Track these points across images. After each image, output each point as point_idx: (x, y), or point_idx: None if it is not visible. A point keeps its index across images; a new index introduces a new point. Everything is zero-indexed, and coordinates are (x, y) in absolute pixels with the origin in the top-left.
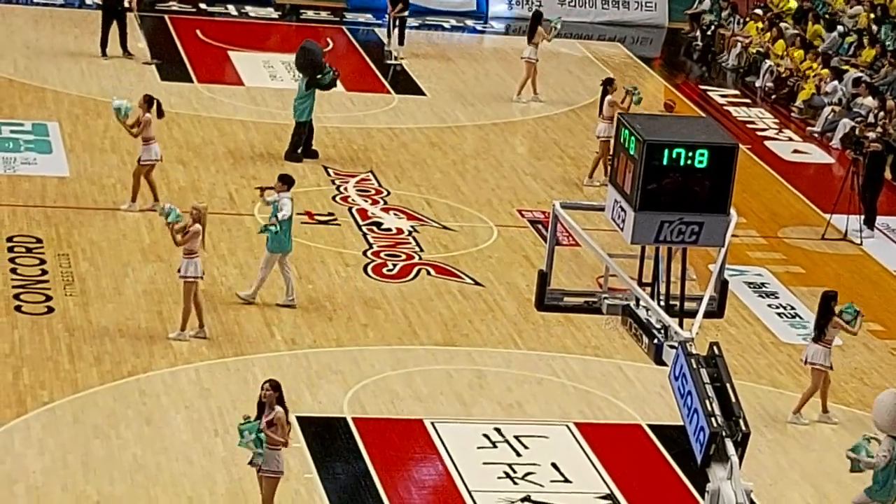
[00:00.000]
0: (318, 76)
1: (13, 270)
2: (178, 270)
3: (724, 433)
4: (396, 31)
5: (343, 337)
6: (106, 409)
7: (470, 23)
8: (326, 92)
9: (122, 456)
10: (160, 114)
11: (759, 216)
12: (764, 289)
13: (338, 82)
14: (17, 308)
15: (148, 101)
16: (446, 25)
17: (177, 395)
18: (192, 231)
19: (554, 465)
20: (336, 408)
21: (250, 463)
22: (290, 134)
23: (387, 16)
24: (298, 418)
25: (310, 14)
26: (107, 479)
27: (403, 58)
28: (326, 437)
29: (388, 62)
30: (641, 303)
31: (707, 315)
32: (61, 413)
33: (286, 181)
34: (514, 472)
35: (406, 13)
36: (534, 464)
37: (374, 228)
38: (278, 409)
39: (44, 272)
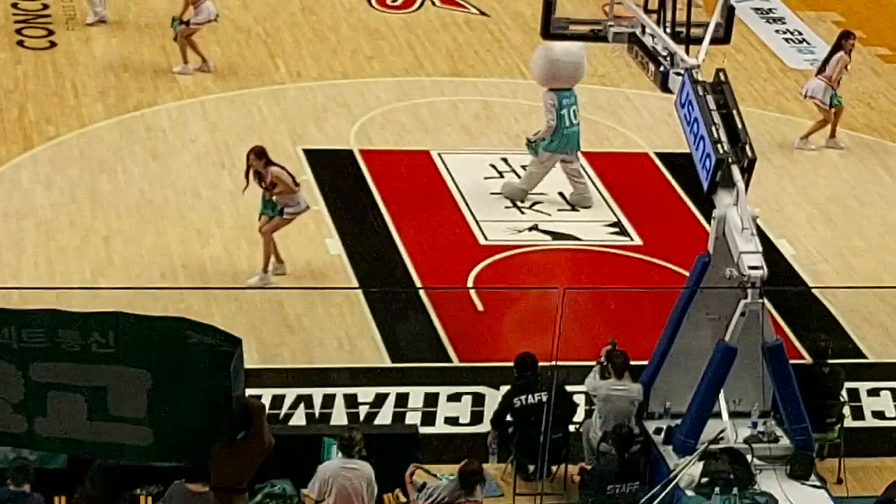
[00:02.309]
0: None
1: (14, 5)
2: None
3: (730, 159)
4: None
5: (348, 69)
6: (112, 143)
7: None
8: None
9: (129, 190)
10: None
11: None
12: (771, 14)
13: None
14: (20, 43)
15: None
16: None
17: (182, 129)
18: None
19: (561, 193)
20: (342, 140)
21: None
22: None
23: None
24: (305, 151)
25: None
26: (114, 213)
27: None
28: (333, 170)
29: None
30: (647, 30)
31: (713, 41)
32: (67, 148)
33: None
34: (522, 201)
35: None
36: (541, 193)
37: None
38: (272, 169)
39: (45, 6)
